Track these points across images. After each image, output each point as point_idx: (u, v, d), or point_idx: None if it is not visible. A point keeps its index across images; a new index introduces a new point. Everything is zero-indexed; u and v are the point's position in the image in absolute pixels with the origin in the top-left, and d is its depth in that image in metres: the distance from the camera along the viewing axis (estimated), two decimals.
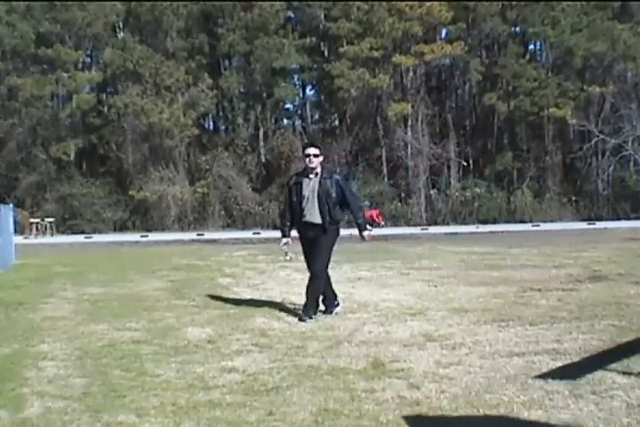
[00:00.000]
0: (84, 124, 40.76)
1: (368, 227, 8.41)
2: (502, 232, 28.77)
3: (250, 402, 4.88)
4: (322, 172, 8.18)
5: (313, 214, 8.08)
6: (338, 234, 8.28)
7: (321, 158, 8.19)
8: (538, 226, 32.76)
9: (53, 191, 39.00)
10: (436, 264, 14.53)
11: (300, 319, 7.97)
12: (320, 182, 8.09)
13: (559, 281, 11.02)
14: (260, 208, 38.46)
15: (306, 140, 40.07)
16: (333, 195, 8.07)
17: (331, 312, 8.35)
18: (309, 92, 46.12)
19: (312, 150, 8.14)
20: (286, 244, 8.44)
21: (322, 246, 8.12)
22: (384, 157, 40.59)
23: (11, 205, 18.73)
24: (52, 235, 32.63)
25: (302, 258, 8.43)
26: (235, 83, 40.20)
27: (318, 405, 4.70)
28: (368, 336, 7.03)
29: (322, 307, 8.39)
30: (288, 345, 6.63)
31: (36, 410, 4.80)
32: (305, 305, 8.16)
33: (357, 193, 38.64)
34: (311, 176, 8.15)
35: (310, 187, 8.11)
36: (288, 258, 8.89)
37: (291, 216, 8.27)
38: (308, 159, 8.12)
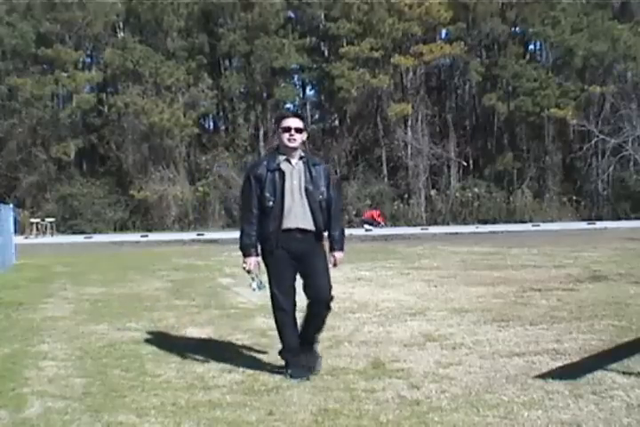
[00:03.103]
0: (84, 124, 40.78)
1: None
2: (502, 232, 28.76)
3: (250, 402, 4.88)
4: (306, 156, 5.69)
5: (300, 217, 5.48)
6: None
7: (305, 136, 5.65)
8: (538, 226, 32.77)
9: (53, 191, 39.01)
10: (436, 264, 14.53)
11: (311, 369, 5.58)
12: (309, 170, 5.57)
13: (559, 281, 11.01)
14: None
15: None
16: (323, 189, 5.60)
17: (309, 371, 5.55)
18: (309, 92, 46.16)
19: (294, 122, 5.57)
20: (252, 265, 5.54)
21: (319, 261, 5.59)
22: (384, 157, 40.60)
23: (11, 205, 18.73)
24: (52, 235, 32.63)
25: (271, 287, 5.57)
26: (235, 83, 40.22)
27: (318, 405, 4.70)
28: (368, 336, 7.03)
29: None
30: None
31: (36, 410, 4.80)
32: (309, 347, 5.66)
33: (358, 193, 38.96)
34: (293, 162, 5.55)
35: (295, 176, 5.52)
36: (255, 287, 5.66)
37: (258, 223, 5.49)
38: (287, 135, 5.51)
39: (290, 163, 5.54)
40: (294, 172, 5.53)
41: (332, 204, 5.66)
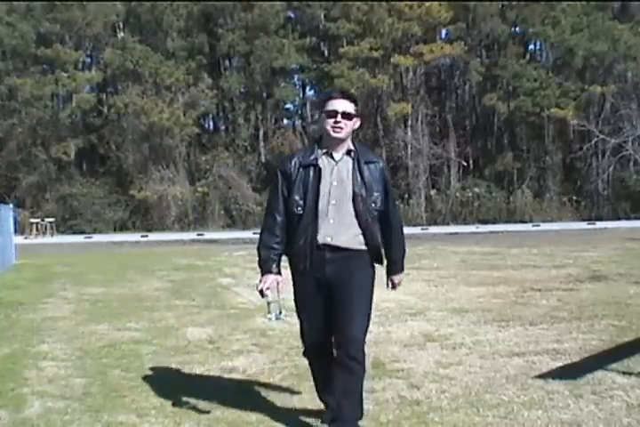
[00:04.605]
0: (84, 124, 40.77)
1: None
2: (502, 232, 28.76)
3: (250, 402, 4.88)
4: (357, 149, 4.23)
5: (341, 231, 4.10)
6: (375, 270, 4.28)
7: (357, 124, 4.21)
8: (538, 226, 32.76)
9: (53, 191, 38.99)
10: (437, 264, 14.53)
11: None
12: (359, 168, 4.16)
13: (559, 281, 11.02)
14: (260, 208, 38.40)
15: (311, 132, 42.33)
16: (378, 195, 4.20)
17: None
18: (309, 92, 46.09)
19: (342, 104, 4.13)
20: (270, 287, 4.09)
21: (356, 293, 4.12)
22: (384, 157, 40.52)
23: (11, 206, 18.74)
24: (52, 235, 32.62)
25: (295, 318, 4.36)
26: (235, 83, 40.22)
27: (318, 405, 4.70)
28: (368, 336, 7.00)
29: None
30: (288, 345, 6.62)
31: (36, 410, 4.81)
32: (340, 413, 4.10)
33: None
34: (336, 156, 4.16)
35: (336, 176, 4.13)
36: (273, 316, 4.07)
37: (284, 234, 4.16)
38: (332, 122, 4.10)
39: (332, 158, 4.15)
40: (336, 170, 4.13)
41: (391, 216, 4.31)
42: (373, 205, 4.16)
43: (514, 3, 39.72)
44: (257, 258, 4.19)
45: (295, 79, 44.77)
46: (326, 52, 42.46)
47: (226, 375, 5.64)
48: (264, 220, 4.27)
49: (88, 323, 8.20)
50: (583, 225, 32.34)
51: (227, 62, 43.42)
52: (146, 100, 37.85)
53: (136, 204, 38.83)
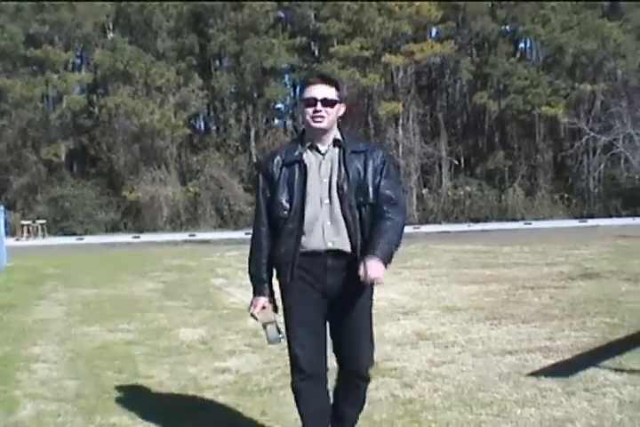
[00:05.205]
0: (74, 126, 40.63)
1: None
2: (494, 230, 28.79)
3: (243, 402, 4.88)
4: (345, 139, 3.70)
5: (332, 234, 3.58)
6: None
7: (341, 110, 3.72)
8: (529, 224, 32.82)
9: (44, 193, 38.86)
10: (429, 263, 14.55)
11: None
12: (344, 159, 3.63)
13: (551, 279, 11.05)
14: (252, 208, 38.35)
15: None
16: (370, 188, 3.62)
17: None
18: (300, 91, 46.11)
19: (321, 90, 3.63)
20: (263, 308, 3.73)
21: (361, 307, 3.70)
22: None
23: (1, 207, 18.66)
24: (43, 237, 32.52)
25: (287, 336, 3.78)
26: (225, 83, 40.16)
27: None
28: None
29: None
30: (281, 346, 6.59)
31: (28, 412, 4.79)
32: None
33: None
34: (322, 148, 3.67)
35: (324, 171, 3.64)
36: (271, 338, 3.79)
37: (270, 243, 3.69)
38: (310, 111, 3.61)
39: (318, 151, 3.66)
40: (324, 164, 3.64)
41: (385, 209, 3.59)
42: (361, 199, 3.58)
43: (503, 1, 39.77)
44: (251, 277, 3.78)
45: (286, 79, 44.75)
46: (317, 52, 42.45)
47: (219, 376, 5.63)
48: (252, 230, 3.79)
49: (80, 325, 8.18)
50: (575, 223, 32.41)
51: (217, 62, 43.36)
52: (136, 100, 37.76)
53: (127, 205, 38.74)
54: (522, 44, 43.74)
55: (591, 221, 32.27)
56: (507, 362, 5.76)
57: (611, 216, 36.14)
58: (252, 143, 41.10)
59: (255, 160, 40.47)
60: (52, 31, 39.13)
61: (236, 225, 37.70)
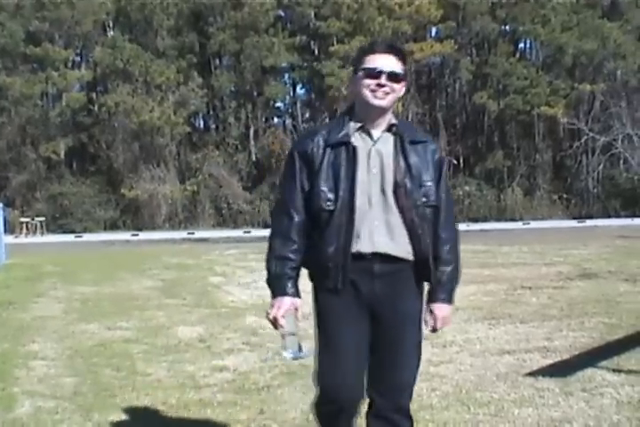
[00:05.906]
0: (74, 123, 40.60)
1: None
2: (493, 230, 28.79)
3: (241, 401, 4.87)
4: (400, 126, 3.09)
5: (385, 235, 3.01)
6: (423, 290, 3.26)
7: (403, 89, 3.08)
8: (528, 224, 32.84)
9: (43, 190, 38.84)
10: None
11: None
12: (403, 149, 3.05)
13: (549, 279, 11.05)
14: (251, 207, 38.42)
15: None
16: (430, 186, 3.11)
17: None
18: (300, 90, 46.00)
19: (388, 62, 3.02)
20: (286, 315, 3.01)
21: (410, 324, 3.19)
22: None
23: (0, 205, 18.65)
24: (42, 234, 32.49)
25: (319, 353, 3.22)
26: (225, 81, 40.16)
27: (309, 403, 4.69)
28: None
29: None
30: (279, 344, 6.60)
31: (26, 410, 4.79)
32: None
33: None
34: (375, 133, 3.06)
35: (375, 159, 3.03)
36: (290, 353, 3.13)
37: (304, 239, 3.04)
38: (372, 84, 3.00)
39: (369, 135, 3.05)
40: (375, 151, 3.02)
41: (444, 216, 3.23)
42: (424, 199, 3.05)
43: (504, 1, 39.77)
44: (265, 272, 3.07)
45: (285, 78, 44.73)
46: (316, 51, 42.44)
47: (217, 374, 5.63)
48: (274, 221, 3.13)
49: (78, 322, 8.18)
50: (573, 223, 32.42)
51: (217, 61, 43.35)
52: (136, 99, 37.74)
53: (126, 203, 38.73)
54: (522, 44, 43.82)
55: (590, 222, 32.28)
56: (505, 362, 5.76)
57: (609, 216, 36.16)
58: (252, 142, 41.11)
59: (255, 159, 40.49)
60: (52, 29, 39.10)
61: (235, 224, 37.73)
